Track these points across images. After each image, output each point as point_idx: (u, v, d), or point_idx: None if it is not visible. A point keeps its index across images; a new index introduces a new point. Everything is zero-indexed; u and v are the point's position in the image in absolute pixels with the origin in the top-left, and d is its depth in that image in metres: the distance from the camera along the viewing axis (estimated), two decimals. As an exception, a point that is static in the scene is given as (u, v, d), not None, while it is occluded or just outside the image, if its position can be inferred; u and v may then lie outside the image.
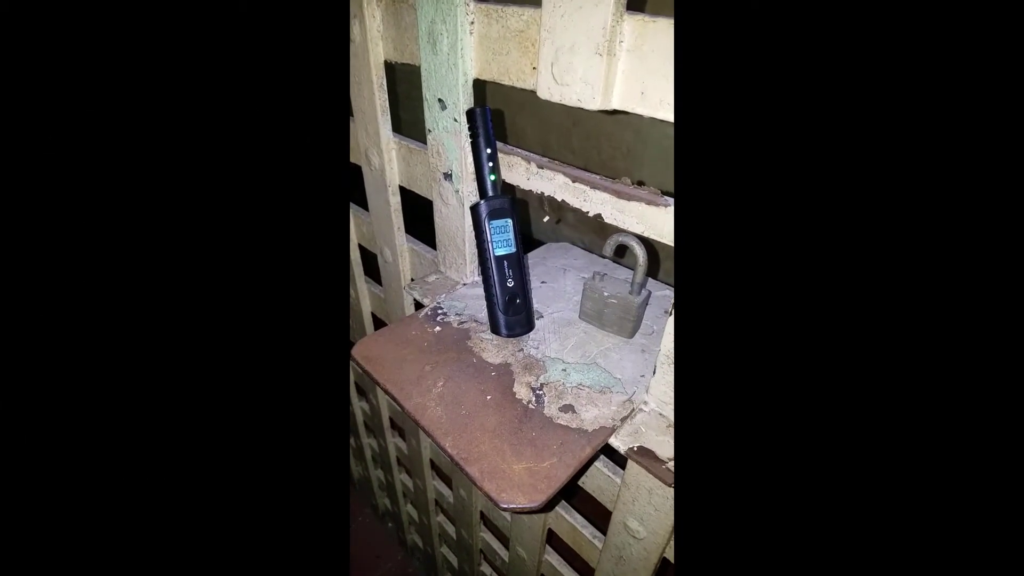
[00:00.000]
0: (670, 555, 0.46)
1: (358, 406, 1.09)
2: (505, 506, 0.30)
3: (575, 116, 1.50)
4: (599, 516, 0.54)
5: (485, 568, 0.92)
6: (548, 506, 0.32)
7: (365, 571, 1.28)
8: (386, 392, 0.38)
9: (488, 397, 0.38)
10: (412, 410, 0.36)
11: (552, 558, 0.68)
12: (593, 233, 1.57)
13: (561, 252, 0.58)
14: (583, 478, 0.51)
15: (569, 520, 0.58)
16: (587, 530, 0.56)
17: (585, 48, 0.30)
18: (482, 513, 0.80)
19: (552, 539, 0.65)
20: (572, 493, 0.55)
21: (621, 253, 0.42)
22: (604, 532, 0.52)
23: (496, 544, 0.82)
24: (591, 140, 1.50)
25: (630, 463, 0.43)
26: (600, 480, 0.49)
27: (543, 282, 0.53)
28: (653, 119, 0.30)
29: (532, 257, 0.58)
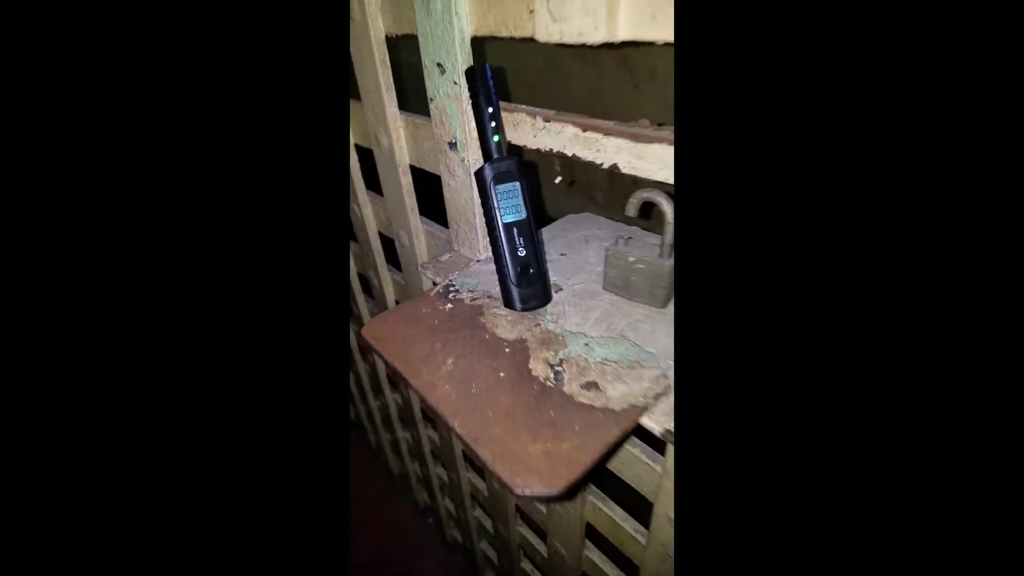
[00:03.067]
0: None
1: (391, 399, 1.08)
2: (520, 492, 0.27)
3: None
4: (640, 505, 0.49)
5: (525, 564, 0.89)
6: (570, 493, 0.28)
7: (408, 568, 1.28)
8: (394, 370, 0.35)
9: (501, 375, 0.34)
10: (420, 388, 0.34)
11: (593, 554, 0.64)
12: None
13: (583, 223, 0.54)
14: (620, 467, 0.47)
15: (607, 512, 0.54)
16: (629, 524, 0.52)
17: (584, -33, 0.26)
18: (517, 506, 0.77)
19: (592, 533, 0.61)
20: (602, 480, 0.51)
21: (647, 213, 0.38)
22: (647, 526, 0.48)
23: (535, 539, 0.79)
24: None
25: (670, 448, 0.38)
26: (638, 468, 0.45)
27: (563, 254, 0.49)
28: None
29: (552, 229, 0.54)
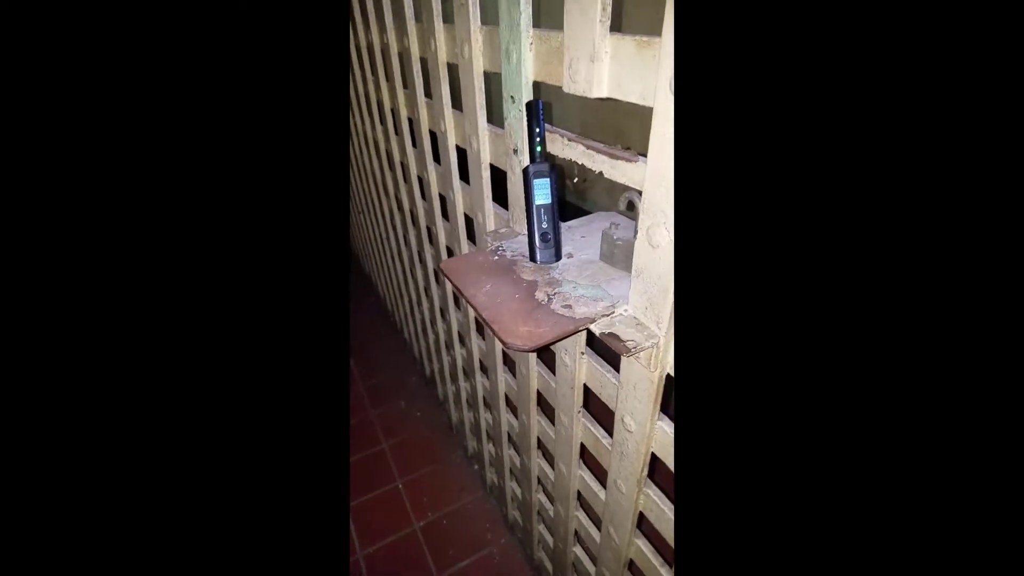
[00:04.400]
0: (655, 449, 0.59)
1: (459, 353, 1.33)
2: (510, 344, 0.47)
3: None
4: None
5: (540, 496, 1.09)
6: (536, 351, 0.48)
7: (452, 500, 1.53)
8: (455, 286, 0.58)
9: (516, 296, 0.55)
10: (468, 295, 0.56)
11: (584, 473, 0.82)
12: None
13: (606, 217, 0.73)
14: (599, 388, 0.66)
15: (593, 431, 0.73)
16: (606, 440, 0.70)
17: (584, 57, 0.46)
18: (538, 439, 0.97)
19: (583, 455, 0.80)
20: (587, 404, 0.70)
21: (632, 207, 0.57)
22: (611, 435, 0.66)
23: (546, 466, 0.98)
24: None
25: (623, 365, 0.57)
26: (610, 389, 0.63)
27: (583, 236, 0.68)
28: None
29: (582, 219, 0.74)
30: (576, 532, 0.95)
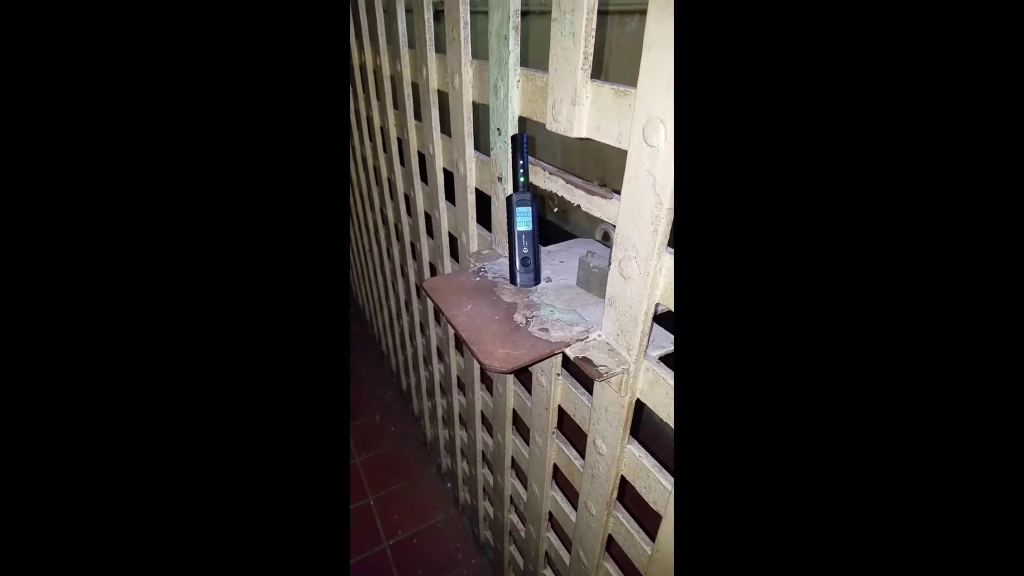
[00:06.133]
0: (625, 472, 0.61)
1: (436, 369, 1.34)
2: (488, 366, 0.49)
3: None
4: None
5: (512, 516, 1.09)
6: (513, 372, 0.50)
7: (423, 519, 1.51)
8: (436, 305, 0.60)
9: (496, 317, 0.58)
10: (449, 315, 0.58)
11: (556, 494, 0.84)
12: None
13: (584, 244, 0.77)
14: (573, 409, 0.68)
15: (566, 452, 0.75)
16: (577, 461, 0.72)
17: (567, 100, 0.50)
18: (513, 459, 0.98)
19: (556, 476, 0.81)
20: (561, 425, 0.72)
21: (607, 238, 0.60)
22: (584, 457, 0.68)
23: (519, 486, 0.99)
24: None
25: (595, 389, 0.59)
26: (583, 411, 0.66)
27: (561, 261, 0.71)
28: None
29: (561, 246, 0.77)
30: (547, 554, 0.96)
